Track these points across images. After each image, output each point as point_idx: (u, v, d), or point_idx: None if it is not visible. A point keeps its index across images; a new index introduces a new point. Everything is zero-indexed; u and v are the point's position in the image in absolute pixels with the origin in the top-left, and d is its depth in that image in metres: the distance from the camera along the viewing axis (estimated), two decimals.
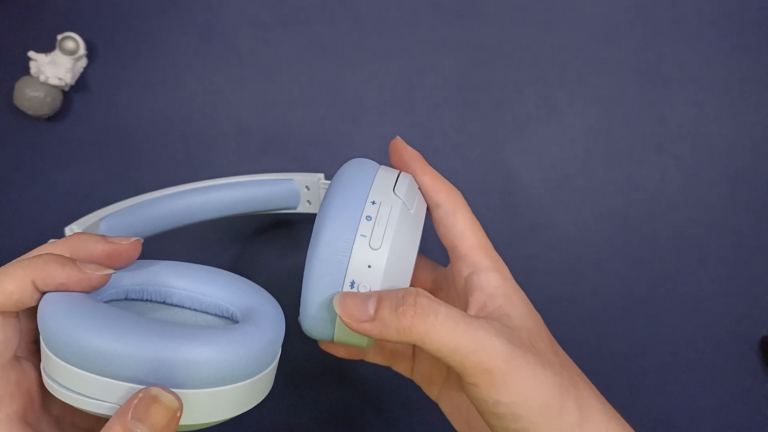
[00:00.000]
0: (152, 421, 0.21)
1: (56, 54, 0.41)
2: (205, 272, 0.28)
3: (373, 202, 0.26)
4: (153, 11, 0.44)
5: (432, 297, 0.25)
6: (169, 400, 0.22)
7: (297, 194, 0.38)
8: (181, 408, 0.22)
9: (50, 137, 0.43)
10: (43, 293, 0.24)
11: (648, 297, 0.43)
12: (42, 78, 0.41)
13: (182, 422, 0.23)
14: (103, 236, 0.27)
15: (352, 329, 0.26)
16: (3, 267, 0.24)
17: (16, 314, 0.25)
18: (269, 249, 0.43)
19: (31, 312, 0.25)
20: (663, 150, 0.44)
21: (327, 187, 0.32)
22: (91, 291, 0.25)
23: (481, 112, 0.44)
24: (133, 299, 0.28)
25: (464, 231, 0.29)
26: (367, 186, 0.27)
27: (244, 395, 0.24)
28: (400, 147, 0.30)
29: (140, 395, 0.22)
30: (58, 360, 0.23)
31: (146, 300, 0.28)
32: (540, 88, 0.44)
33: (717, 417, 0.43)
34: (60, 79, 0.41)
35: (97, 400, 0.22)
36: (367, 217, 0.26)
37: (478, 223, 0.29)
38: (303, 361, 0.42)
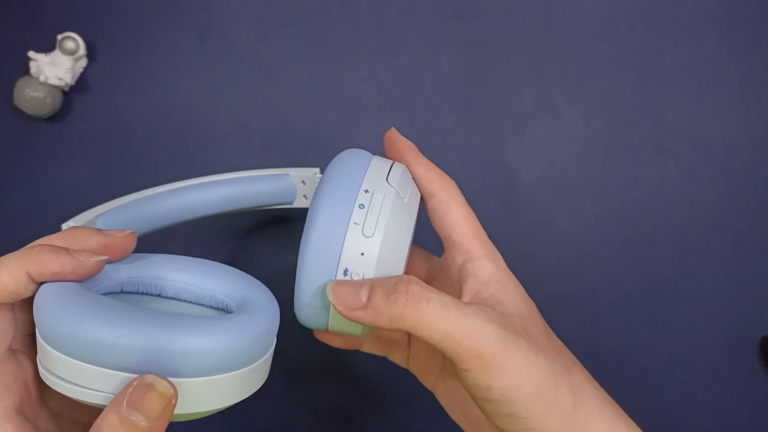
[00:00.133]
0: (148, 408, 0.21)
1: (56, 54, 0.41)
2: (200, 265, 0.29)
3: (366, 191, 0.27)
4: (153, 11, 0.44)
5: (424, 284, 0.25)
6: (164, 388, 0.22)
7: (293, 189, 0.38)
8: (176, 395, 0.22)
9: (50, 137, 0.43)
10: (39, 284, 0.24)
11: (647, 296, 0.43)
12: (42, 78, 0.41)
13: (178, 411, 0.23)
14: (98, 229, 0.27)
15: (345, 317, 0.26)
16: None
17: (11, 306, 0.25)
18: (266, 244, 0.43)
19: (28, 305, 0.25)
20: (662, 149, 0.44)
21: None
22: (86, 278, 0.25)
23: (481, 111, 0.44)
24: (128, 292, 0.28)
25: (458, 220, 0.29)
26: (360, 175, 0.27)
27: (238, 384, 0.24)
28: (394, 138, 0.30)
29: (135, 383, 0.22)
30: (54, 351, 0.23)
31: (142, 293, 0.28)
32: (539, 87, 0.44)
33: (717, 417, 0.43)
34: (60, 79, 0.41)
35: (93, 390, 0.22)
36: (360, 205, 0.26)
37: (472, 212, 0.29)
38: (300, 356, 0.42)
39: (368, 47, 0.44)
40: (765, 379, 0.43)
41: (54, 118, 0.43)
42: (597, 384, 0.27)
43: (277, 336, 0.28)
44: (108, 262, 0.27)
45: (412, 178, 0.30)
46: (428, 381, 0.33)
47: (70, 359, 0.22)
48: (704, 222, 0.43)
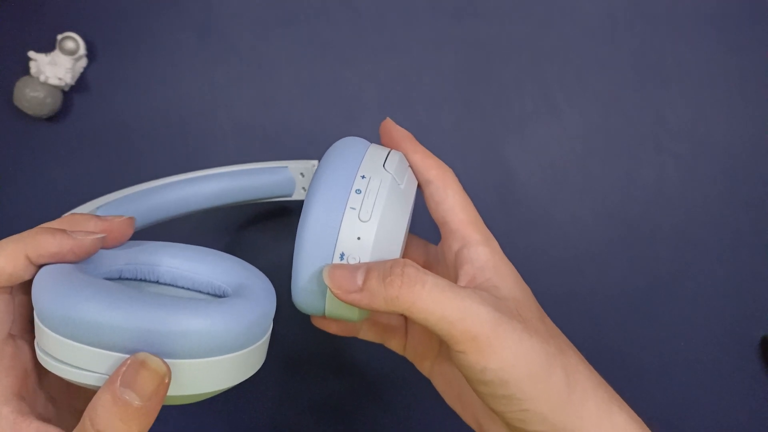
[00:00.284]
0: (141, 386, 0.21)
1: (56, 54, 0.41)
2: (197, 252, 0.29)
3: (363, 177, 0.27)
4: (152, 11, 0.44)
5: (419, 267, 0.26)
6: (157, 365, 0.22)
7: (292, 181, 0.38)
8: (169, 374, 0.22)
9: (50, 137, 0.43)
10: (39, 268, 0.25)
11: (647, 296, 0.43)
12: (42, 78, 0.41)
13: (172, 392, 0.23)
14: (96, 215, 0.27)
15: (342, 300, 0.26)
16: None
17: (10, 290, 0.25)
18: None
19: (27, 290, 0.26)
20: (662, 148, 0.44)
21: None
22: (86, 257, 0.26)
23: (480, 110, 0.44)
24: (126, 278, 0.28)
25: (454, 206, 0.29)
26: (357, 161, 0.27)
27: (234, 368, 0.24)
28: (390, 127, 0.31)
29: (128, 362, 0.22)
30: (50, 332, 0.23)
31: (140, 279, 0.28)
32: (539, 87, 0.44)
33: (717, 417, 0.42)
34: (60, 79, 0.41)
35: (88, 371, 0.23)
36: (356, 190, 0.26)
37: (468, 199, 0.29)
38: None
39: (368, 47, 0.44)
40: (765, 379, 0.43)
41: (54, 118, 0.43)
42: (591, 367, 0.27)
43: (274, 327, 0.28)
44: (106, 247, 0.27)
45: (409, 165, 0.30)
46: (424, 367, 0.34)
47: (67, 340, 0.22)
48: (704, 222, 0.43)
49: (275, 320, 0.28)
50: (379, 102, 0.44)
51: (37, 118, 0.43)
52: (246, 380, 0.26)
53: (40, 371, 0.26)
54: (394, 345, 0.35)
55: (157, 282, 0.29)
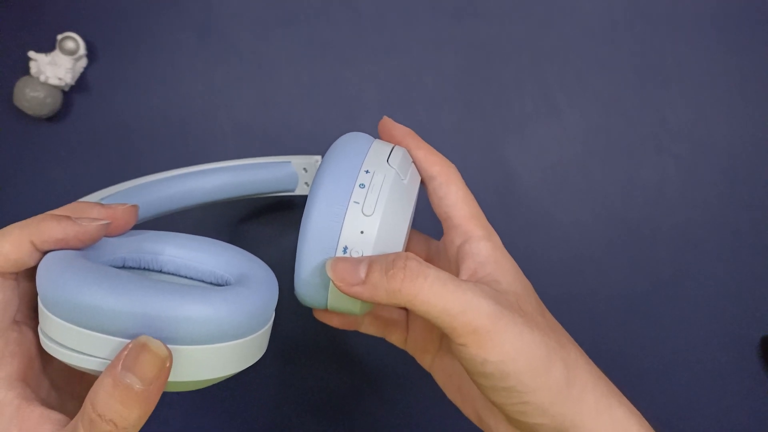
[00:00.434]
0: (142, 369, 0.21)
1: (56, 54, 0.41)
2: (200, 242, 0.29)
3: (367, 171, 0.27)
4: (152, 11, 0.44)
5: (422, 260, 0.26)
6: (158, 348, 0.22)
7: (295, 177, 0.38)
8: (170, 358, 0.22)
9: (50, 137, 0.43)
10: (44, 254, 0.25)
11: (647, 297, 0.43)
12: (42, 78, 0.41)
13: (173, 378, 0.23)
14: (100, 203, 0.27)
15: (344, 293, 0.26)
16: (0, 229, 0.25)
17: (15, 276, 0.25)
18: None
19: (33, 277, 0.26)
20: (662, 149, 0.44)
21: None
22: (90, 244, 0.26)
23: (481, 111, 0.44)
24: (130, 267, 0.28)
25: (457, 202, 0.29)
26: (361, 156, 0.28)
27: (235, 355, 0.25)
28: (390, 126, 0.31)
29: (130, 346, 0.22)
30: (54, 317, 0.23)
31: (143, 268, 0.29)
32: (539, 87, 0.44)
33: (717, 417, 0.42)
34: (60, 79, 0.41)
35: (91, 356, 0.23)
36: (360, 184, 0.27)
37: (471, 194, 0.30)
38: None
39: (368, 47, 0.44)
40: (765, 379, 0.43)
41: (54, 118, 0.43)
42: (591, 361, 0.28)
43: (276, 320, 0.28)
44: (110, 234, 0.27)
45: (413, 162, 0.30)
46: (425, 361, 0.34)
47: (70, 325, 0.23)
48: (704, 222, 0.43)
49: (277, 313, 0.28)
50: (379, 102, 0.44)
51: (37, 118, 0.43)
52: (247, 372, 0.26)
53: (44, 357, 0.26)
54: (395, 339, 0.35)
55: (160, 271, 0.29)
